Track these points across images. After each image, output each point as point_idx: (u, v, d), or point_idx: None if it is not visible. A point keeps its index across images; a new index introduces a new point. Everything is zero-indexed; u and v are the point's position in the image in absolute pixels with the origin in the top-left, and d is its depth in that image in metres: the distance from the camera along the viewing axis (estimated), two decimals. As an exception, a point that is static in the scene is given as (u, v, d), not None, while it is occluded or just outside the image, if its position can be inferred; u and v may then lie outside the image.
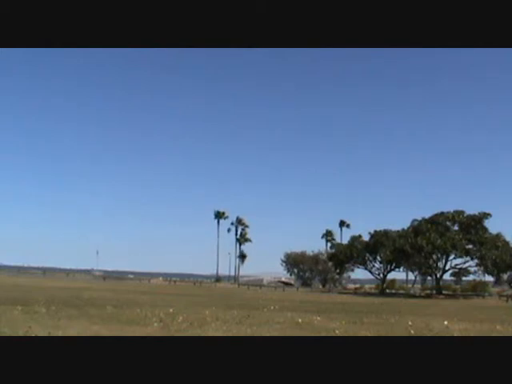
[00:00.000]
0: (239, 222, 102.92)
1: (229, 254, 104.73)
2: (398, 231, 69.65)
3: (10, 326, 10.96)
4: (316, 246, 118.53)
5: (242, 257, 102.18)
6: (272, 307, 22.29)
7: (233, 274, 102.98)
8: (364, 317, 18.77)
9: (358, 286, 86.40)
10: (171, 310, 17.63)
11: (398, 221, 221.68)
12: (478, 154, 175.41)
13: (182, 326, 12.58)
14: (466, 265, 69.44)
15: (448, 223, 67.48)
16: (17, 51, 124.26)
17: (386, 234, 69.63)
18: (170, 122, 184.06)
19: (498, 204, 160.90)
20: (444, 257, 67.95)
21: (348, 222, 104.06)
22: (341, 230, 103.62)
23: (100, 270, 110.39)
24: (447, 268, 69.97)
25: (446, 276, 74.74)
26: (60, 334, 10.04)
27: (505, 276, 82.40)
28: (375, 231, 71.83)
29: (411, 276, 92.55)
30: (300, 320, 15.78)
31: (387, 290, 72.77)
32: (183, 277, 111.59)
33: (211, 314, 16.59)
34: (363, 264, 74.93)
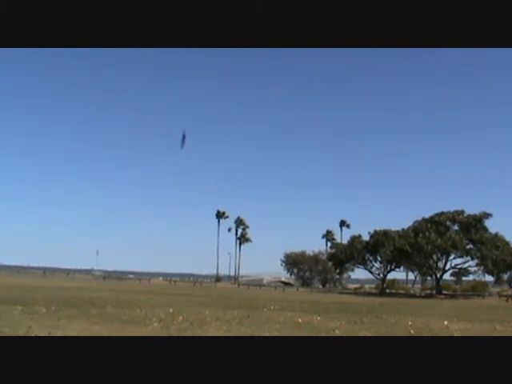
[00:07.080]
0: (240, 221, 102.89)
1: (229, 253, 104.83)
2: (398, 231, 69.59)
3: (10, 325, 10.96)
4: (316, 245, 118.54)
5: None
6: (272, 307, 22.29)
7: (233, 273, 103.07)
8: (364, 317, 18.75)
9: (357, 285, 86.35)
10: (171, 310, 17.63)
11: (397, 221, 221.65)
12: (478, 153, 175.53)
13: (182, 326, 12.57)
14: (466, 265, 69.48)
15: (448, 223, 67.43)
16: (17, 51, 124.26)
17: (385, 233, 69.55)
18: (170, 122, 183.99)
19: (498, 204, 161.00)
20: (444, 257, 67.91)
21: (348, 222, 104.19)
22: (341, 229, 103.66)
23: (100, 270, 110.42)
24: (447, 268, 70.02)
25: (446, 276, 74.78)
26: (60, 333, 10.04)
27: (505, 276, 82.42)
28: (375, 231, 71.71)
29: (411, 276, 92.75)
30: (300, 320, 15.77)
31: (387, 290, 72.75)
32: (183, 277, 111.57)
33: (211, 314, 16.59)
34: (363, 264, 74.85)
